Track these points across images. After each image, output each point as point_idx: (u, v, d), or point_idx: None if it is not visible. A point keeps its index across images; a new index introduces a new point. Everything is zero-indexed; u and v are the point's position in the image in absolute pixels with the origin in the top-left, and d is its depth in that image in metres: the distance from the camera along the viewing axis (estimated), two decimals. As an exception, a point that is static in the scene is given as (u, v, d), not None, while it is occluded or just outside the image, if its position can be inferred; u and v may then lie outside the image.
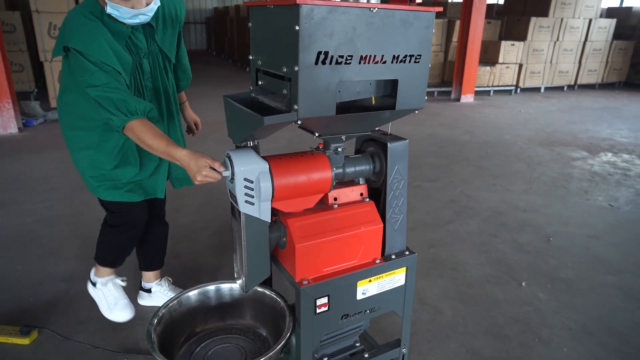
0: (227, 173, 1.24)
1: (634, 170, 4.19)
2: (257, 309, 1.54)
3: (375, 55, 1.17)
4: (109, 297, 1.96)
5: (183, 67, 1.91)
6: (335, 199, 1.43)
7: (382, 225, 1.44)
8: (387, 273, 1.47)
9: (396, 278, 1.50)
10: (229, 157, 1.24)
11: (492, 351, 1.87)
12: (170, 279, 2.19)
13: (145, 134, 1.40)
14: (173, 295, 2.09)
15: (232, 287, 1.55)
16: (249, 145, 1.34)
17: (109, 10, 1.47)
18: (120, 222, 1.84)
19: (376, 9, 1.12)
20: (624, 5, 11.53)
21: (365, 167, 1.45)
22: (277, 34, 1.14)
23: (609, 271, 2.49)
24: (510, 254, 2.64)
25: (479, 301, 2.19)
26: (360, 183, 1.48)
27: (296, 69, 1.07)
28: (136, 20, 1.52)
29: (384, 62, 1.19)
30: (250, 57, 1.32)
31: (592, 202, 3.45)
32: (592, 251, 2.70)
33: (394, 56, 1.19)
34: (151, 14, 1.55)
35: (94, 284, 1.98)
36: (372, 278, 1.44)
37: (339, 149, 1.37)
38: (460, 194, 3.55)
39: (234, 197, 1.28)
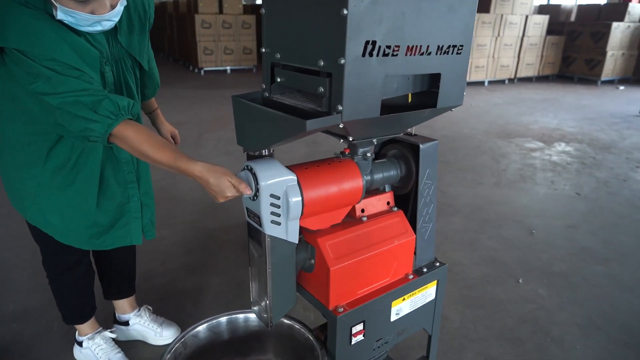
0: (250, 183, 1.03)
1: (588, 158, 4.37)
2: (276, 342, 1.34)
3: (421, 46, 1.01)
4: (100, 354, 1.69)
5: (151, 73, 1.57)
6: (363, 211, 1.26)
7: (414, 236, 1.30)
8: (420, 289, 1.33)
9: (427, 293, 1.36)
10: (251, 170, 1.03)
11: (510, 357, 1.79)
12: (150, 308, 1.91)
13: (144, 144, 1.13)
14: (154, 327, 1.83)
15: (246, 318, 1.33)
16: (264, 153, 1.14)
17: (59, 16, 1.13)
18: (60, 265, 1.55)
19: (426, -9, 0.96)
20: (552, 2, 12.25)
21: (392, 173, 1.29)
22: (310, 21, 0.95)
23: (597, 261, 2.52)
24: (500, 250, 2.61)
25: (483, 303, 2.12)
26: (387, 191, 1.32)
27: (342, 62, 0.89)
28: (97, 28, 1.21)
29: (429, 54, 1.03)
30: (263, 50, 1.12)
31: (560, 192, 3.53)
32: (575, 242, 2.73)
33: (438, 47, 1.04)
34: (117, 19, 1.23)
35: (80, 344, 1.72)
36: (405, 296, 1.29)
37: (368, 154, 1.20)
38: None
39: (255, 217, 1.07)
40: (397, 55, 0.97)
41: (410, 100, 1.16)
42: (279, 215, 1.06)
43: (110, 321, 1.90)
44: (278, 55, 1.07)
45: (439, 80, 1.10)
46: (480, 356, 1.79)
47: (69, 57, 1.15)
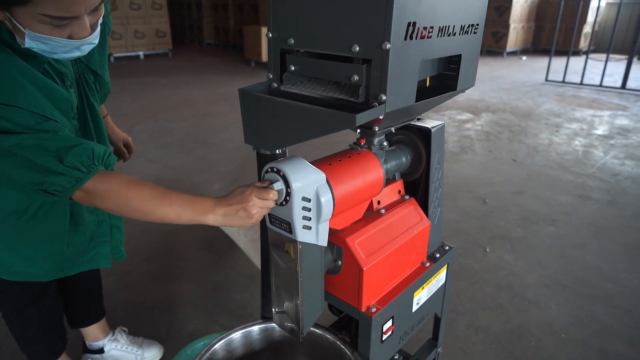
0: (280, 185, 0.92)
1: (515, 126, 4.70)
2: (298, 353, 1.25)
3: (449, 26, 0.95)
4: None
5: (103, 80, 1.29)
6: (379, 203, 1.20)
7: (429, 223, 1.27)
8: (435, 275, 1.31)
9: (440, 278, 1.35)
10: (279, 172, 0.92)
11: (497, 324, 1.87)
12: (125, 329, 1.71)
13: (144, 201, 0.90)
14: (134, 349, 1.65)
15: (259, 330, 1.22)
16: (277, 152, 1.03)
17: (28, 44, 0.91)
18: (19, 302, 1.33)
19: (458, -34, 0.90)
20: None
21: (403, 160, 1.24)
22: (342, 1, 0.85)
23: (546, 222, 2.71)
24: (462, 222, 2.71)
25: (461, 276, 2.19)
26: (397, 179, 1.27)
27: (387, 46, 0.80)
28: (74, 54, 0.99)
29: (454, 34, 0.98)
30: (270, 35, 0.99)
31: (499, 159, 3.75)
32: (523, 206, 2.92)
33: (461, 26, 1.00)
34: (97, 41, 1.01)
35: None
36: (424, 285, 1.27)
37: (384, 143, 1.14)
38: (388, 168, 3.55)
39: (284, 223, 0.97)
40: (431, 37, 0.91)
41: (428, 84, 1.11)
42: (309, 219, 0.96)
43: (78, 352, 1.67)
44: (292, 41, 0.96)
45: (456, 62, 1.06)
46: (471, 328, 1.85)
47: (36, 105, 0.91)
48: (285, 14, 0.95)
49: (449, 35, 0.96)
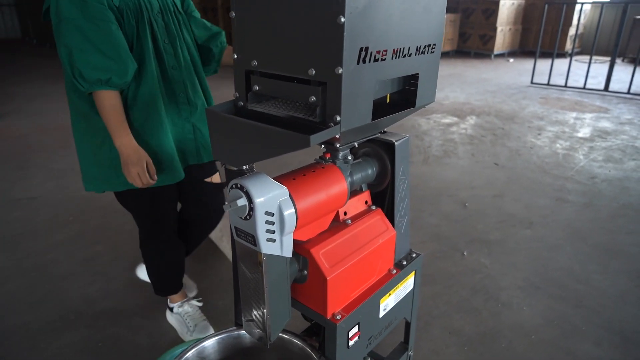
0: (243, 202, 0.96)
1: (498, 129, 4.78)
2: (269, 358, 1.30)
3: (403, 48, 1.01)
4: (188, 321, 1.88)
5: (201, 21, 1.65)
6: (346, 214, 1.26)
7: (395, 232, 1.32)
8: (402, 281, 1.36)
9: (408, 284, 1.40)
10: (242, 188, 0.97)
11: (471, 327, 1.93)
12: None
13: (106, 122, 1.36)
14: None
15: (230, 338, 1.27)
16: (245, 168, 1.08)
17: None
18: (155, 244, 1.76)
19: (409, -7, 0.95)
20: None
21: (369, 172, 1.30)
22: (297, 28, 0.90)
23: (524, 225, 2.78)
24: (442, 225, 2.77)
25: (438, 279, 2.25)
26: (364, 190, 1.33)
27: (339, 71, 0.86)
28: None
29: (410, 55, 1.04)
30: (235, 56, 1.04)
31: (482, 163, 3.83)
32: (503, 210, 2.98)
33: (417, 47, 1.05)
34: None
35: (171, 310, 1.94)
36: (391, 291, 1.32)
37: (348, 157, 1.19)
38: (372, 172, 3.61)
39: (248, 236, 1.01)
40: (385, 59, 0.96)
41: (388, 100, 1.16)
42: (273, 232, 1.01)
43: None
44: (255, 63, 1.01)
45: (415, 79, 1.11)
46: (445, 330, 1.90)
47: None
48: (248, 37, 1.00)
49: (404, 56, 1.02)
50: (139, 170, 1.37)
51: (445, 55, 10.65)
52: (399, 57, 1.00)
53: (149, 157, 1.41)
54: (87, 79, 1.33)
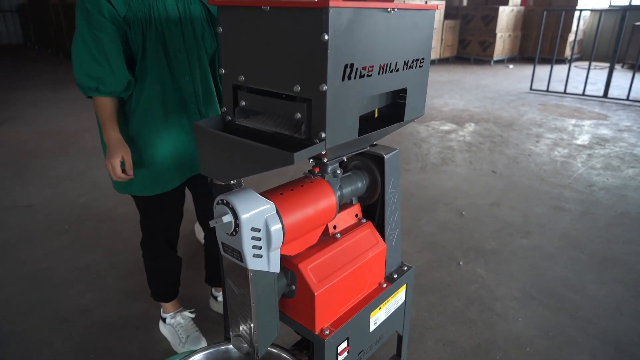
0: (229, 218, 0.96)
1: (496, 137, 4.77)
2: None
3: (390, 63, 1.01)
4: (180, 332, 1.88)
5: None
6: (335, 227, 1.25)
7: (385, 245, 1.31)
8: (393, 295, 1.36)
9: (399, 297, 1.40)
10: (228, 204, 0.97)
11: (465, 338, 1.91)
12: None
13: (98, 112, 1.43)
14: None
15: (224, 350, 1.26)
16: (232, 182, 1.08)
17: None
18: (156, 247, 1.79)
19: (395, 9, 0.95)
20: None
21: (359, 185, 1.29)
22: (283, 45, 0.90)
23: (520, 234, 2.77)
24: (438, 234, 2.76)
25: (433, 289, 2.24)
26: (354, 203, 1.32)
27: (323, 88, 0.86)
28: None
29: (397, 70, 1.04)
30: (222, 71, 1.04)
31: (479, 171, 3.82)
32: (499, 218, 2.97)
33: (404, 62, 1.05)
34: None
35: (163, 320, 1.95)
36: (382, 305, 1.31)
37: (337, 171, 1.19)
38: (369, 180, 3.61)
39: (235, 252, 1.01)
40: (371, 75, 0.96)
41: (376, 115, 1.16)
42: (260, 248, 1.01)
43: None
44: (242, 78, 1.01)
45: (404, 94, 1.11)
46: (439, 342, 1.89)
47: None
48: (235, 52, 1.00)
49: (391, 71, 1.02)
50: (112, 162, 1.40)
51: (445, 61, 10.67)
52: (386, 73, 1.00)
53: (128, 152, 1.43)
54: (80, 84, 1.40)
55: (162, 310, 1.95)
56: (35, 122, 5.24)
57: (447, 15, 10.40)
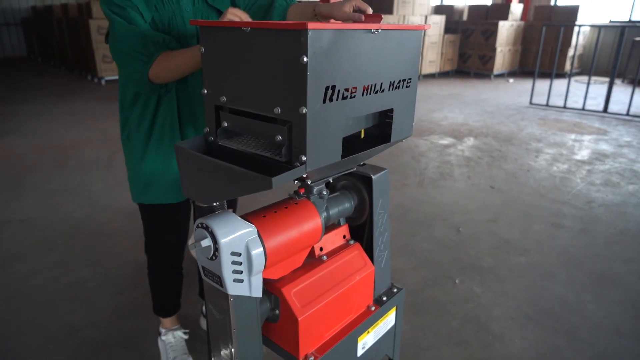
0: (207, 242, 0.94)
1: (495, 151, 4.75)
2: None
3: (375, 84, 0.99)
4: (169, 352, 1.84)
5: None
6: (322, 249, 1.22)
7: (373, 267, 1.28)
8: (382, 318, 1.32)
9: (388, 320, 1.36)
10: (207, 228, 0.94)
11: (460, 360, 1.87)
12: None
13: (174, 55, 1.28)
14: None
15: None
16: (215, 204, 1.05)
17: None
18: (149, 247, 1.75)
19: (379, 30, 0.94)
20: (445, 3, 13.13)
21: (347, 206, 1.27)
22: (263, 66, 0.88)
23: (518, 252, 2.73)
24: (434, 251, 2.72)
25: (428, 308, 2.19)
26: (342, 224, 1.30)
27: (303, 111, 0.84)
28: None
29: (382, 91, 1.02)
30: (205, 92, 1.03)
31: (477, 186, 3.79)
32: (497, 235, 2.94)
33: (390, 82, 1.03)
34: None
35: (160, 335, 1.92)
36: (370, 329, 1.28)
37: (323, 192, 1.16)
38: (366, 195, 3.58)
39: (215, 277, 0.98)
40: (354, 96, 0.94)
41: (363, 135, 1.14)
42: (241, 273, 0.98)
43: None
44: (224, 99, 0.99)
45: (391, 113, 1.09)
46: (433, 364, 1.85)
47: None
48: (217, 73, 0.99)
49: (376, 92, 1.00)
50: (235, 12, 1.20)
51: (445, 75, 10.71)
52: (370, 94, 0.98)
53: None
54: (148, 50, 1.30)
55: (161, 323, 1.93)
56: (35, 134, 5.25)
57: (447, 30, 10.46)
